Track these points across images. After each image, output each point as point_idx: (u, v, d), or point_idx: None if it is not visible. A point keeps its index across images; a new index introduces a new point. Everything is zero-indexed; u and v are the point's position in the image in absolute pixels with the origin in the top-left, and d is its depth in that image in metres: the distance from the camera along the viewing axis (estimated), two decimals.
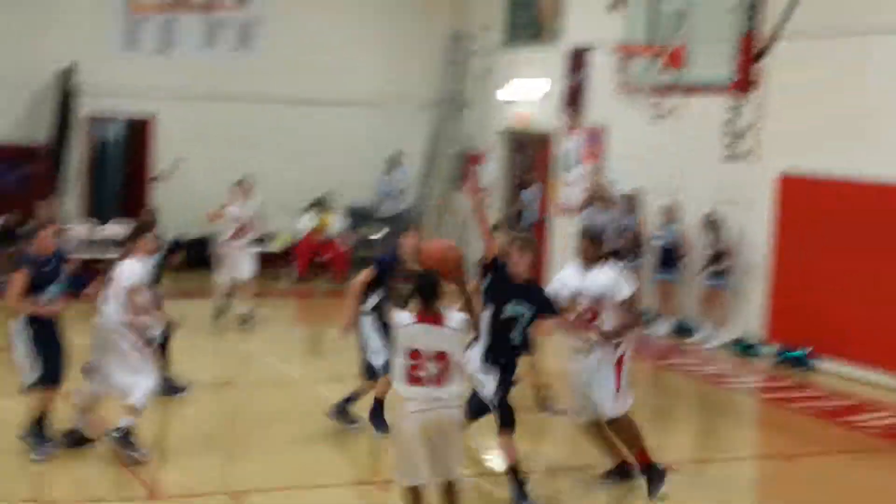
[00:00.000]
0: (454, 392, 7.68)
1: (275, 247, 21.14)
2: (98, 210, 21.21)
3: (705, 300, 16.09)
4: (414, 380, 7.61)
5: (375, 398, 10.60)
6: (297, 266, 20.91)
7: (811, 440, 11.52)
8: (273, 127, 21.88)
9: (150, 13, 21.18)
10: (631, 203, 16.83)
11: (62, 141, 20.26)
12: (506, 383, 8.87)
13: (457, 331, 7.69)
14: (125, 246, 10.42)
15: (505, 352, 8.85)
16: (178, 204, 21.07)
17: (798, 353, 14.71)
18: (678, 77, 16.36)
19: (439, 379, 7.58)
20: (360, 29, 22.50)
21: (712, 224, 15.77)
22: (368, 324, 10.58)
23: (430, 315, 7.65)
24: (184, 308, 18.26)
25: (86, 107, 20.61)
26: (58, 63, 20.28)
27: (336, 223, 21.34)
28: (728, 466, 10.79)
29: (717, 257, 15.74)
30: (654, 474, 9.15)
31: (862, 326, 14.10)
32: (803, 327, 14.84)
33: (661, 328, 16.56)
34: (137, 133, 21.81)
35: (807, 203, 15.00)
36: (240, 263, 16.23)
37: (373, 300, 10.60)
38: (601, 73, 18.55)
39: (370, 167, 22.11)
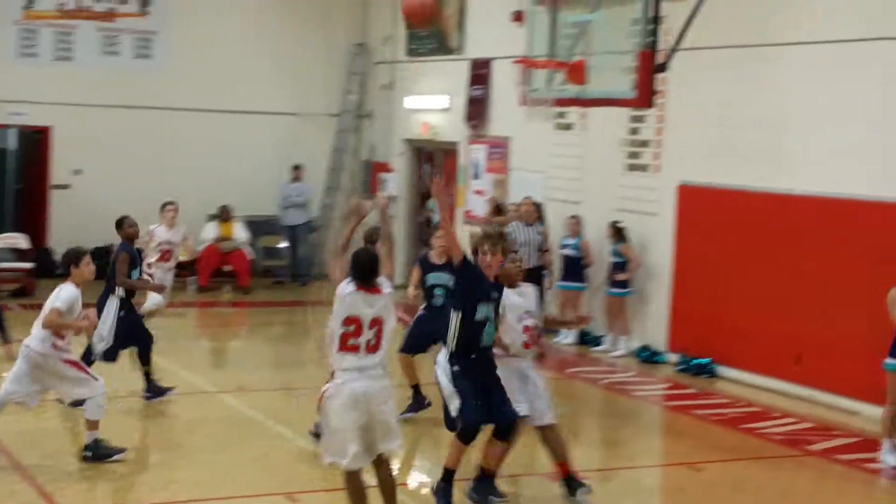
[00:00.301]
0: (382, 360, 7.99)
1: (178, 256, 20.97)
2: None
3: (610, 309, 16.29)
4: (349, 348, 7.91)
5: None
6: (200, 276, 20.76)
7: (715, 447, 11.70)
8: (175, 137, 21.71)
9: (46, 21, 20.89)
10: (538, 213, 16.97)
11: None
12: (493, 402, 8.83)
13: (390, 294, 8.08)
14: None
15: (477, 352, 8.80)
16: (76, 214, 20.89)
17: (702, 360, 14.96)
18: (580, 90, 16.56)
19: (373, 346, 7.94)
20: (262, 39, 22.43)
21: (618, 233, 15.97)
22: None
23: (368, 286, 8.00)
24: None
25: None
26: None
27: (239, 233, 21.23)
28: (634, 475, 10.96)
29: (621, 266, 15.96)
30: (574, 484, 9.27)
31: (761, 335, 14.37)
32: (705, 336, 15.11)
33: (567, 338, 16.72)
34: (34, 143, 21.50)
35: (706, 213, 15.27)
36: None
37: None
38: (504, 84, 18.69)
39: (274, 177, 22.04)
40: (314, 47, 22.86)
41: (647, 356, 15.73)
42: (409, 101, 21.70)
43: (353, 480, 8.11)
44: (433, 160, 22.33)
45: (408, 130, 21.84)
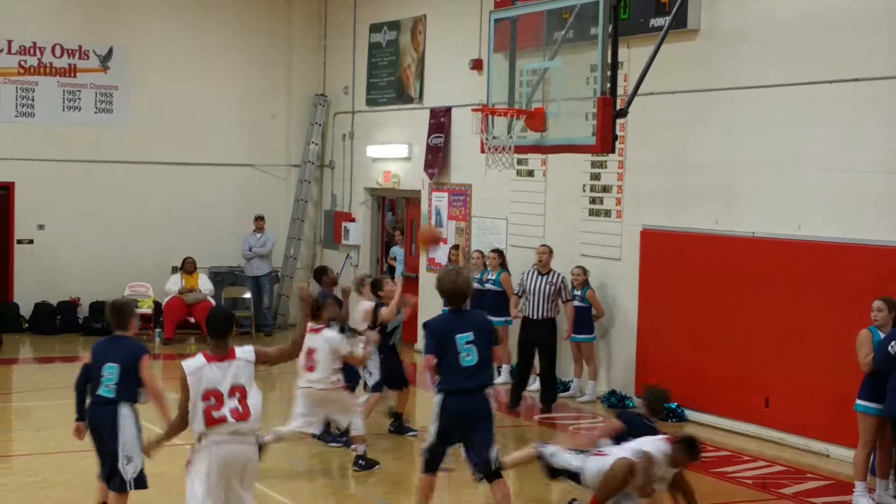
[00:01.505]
0: (251, 427, 7.84)
1: (141, 309, 20.96)
2: None
3: (577, 354, 16.34)
4: (213, 420, 7.75)
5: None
6: (165, 328, 20.70)
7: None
8: (137, 190, 21.76)
9: (7, 78, 20.88)
10: (501, 259, 17.05)
11: None
12: None
13: (249, 362, 7.86)
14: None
15: None
16: (41, 269, 20.86)
17: (670, 405, 15.01)
18: (540, 136, 16.68)
19: (239, 414, 7.75)
20: (222, 91, 22.54)
21: (583, 278, 16.04)
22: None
23: (220, 353, 7.85)
24: (57, 371, 18.10)
25: None
26: None
27: (204, 284, 21.20)
28: None
29: (587, 311, 16.03)
30: None
31: (728, 379, 14.46)
32: (672, 380, 15.13)
33: (536, 384, 16.73)
34: None
35: (669, 257, 15.40)
36: None
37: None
38: (464, 132, 18.81)
39: (236, 228, 22.08)
40: (274, 98, 22.99)
41: (615, 401, 15.79)
42: (371, 151, 21.81)
43: None
44: (395, 208, 22.44)
45: (369, 179, 21.93)
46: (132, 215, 21.67)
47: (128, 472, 9.00)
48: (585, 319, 16.03)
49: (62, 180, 21.15)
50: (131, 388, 8.97)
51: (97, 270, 21.29)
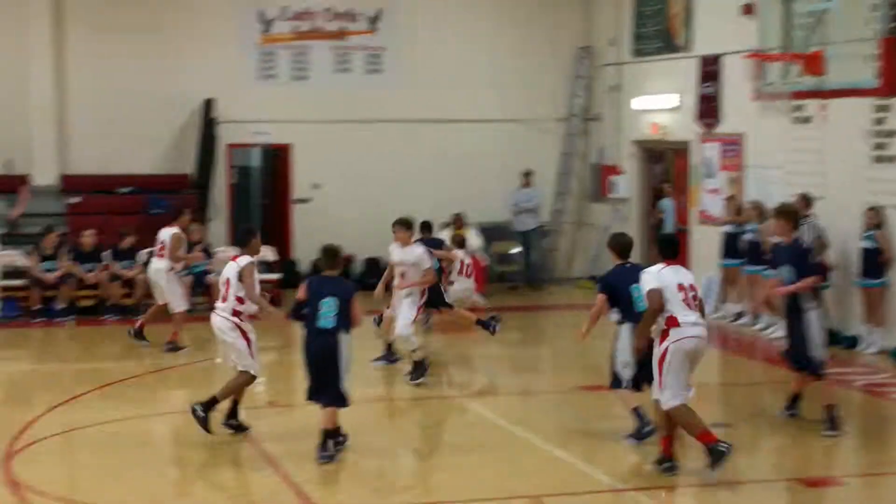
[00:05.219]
0: (226, 306, 11.40)
1: None
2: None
3: (864, 303, 15.72)
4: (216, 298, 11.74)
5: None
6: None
7: None
8: (407, 148, 22.16)
9: (283, 44, 21.60)
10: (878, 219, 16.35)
11: (206, 170, 20.76)
12: None
13: (240, 265, 11.30)
14: None
15: None
16: (317, 226, 21.51)
17: None
18: (818, 81, 16.11)
19: (223, 297, 11.43)
20: (487, 47, 22.66)
21: (878, 219, 15.44)
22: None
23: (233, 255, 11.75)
24: None
25: (226, 137, 21.17)
26: (199, 96, 20.89)
27: (473, 240, 21.42)
28: None
29: (875, 254, 15.37)
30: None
31: None
32: None
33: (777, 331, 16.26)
34: (276, 160, 22.29)
35: None
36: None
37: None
38: (736, 80, 18.37)
39: (503, 184, 22.22)
40: (538, 53, 22.96)
41: None
42: (637, 102, 21.56)
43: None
44: (663, 160, 22.13)
45: (636, 131, 21.70)
46: (402, 173, 22.09)
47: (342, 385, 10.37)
48: (874, 263, 15.38)
49: (335, 141, 21.74)
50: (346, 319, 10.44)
51: (370, 227, 21.74)
